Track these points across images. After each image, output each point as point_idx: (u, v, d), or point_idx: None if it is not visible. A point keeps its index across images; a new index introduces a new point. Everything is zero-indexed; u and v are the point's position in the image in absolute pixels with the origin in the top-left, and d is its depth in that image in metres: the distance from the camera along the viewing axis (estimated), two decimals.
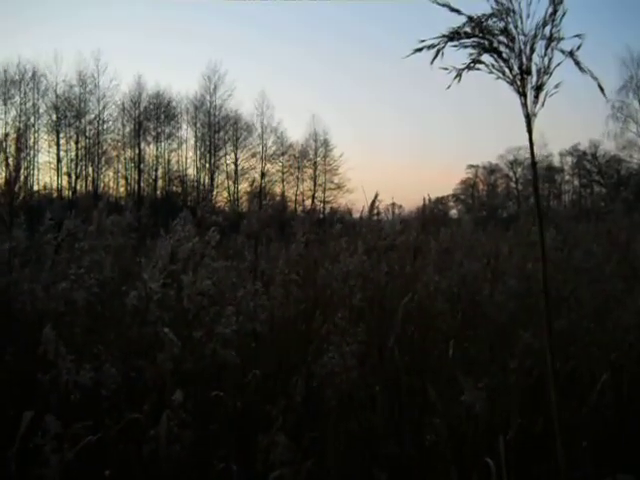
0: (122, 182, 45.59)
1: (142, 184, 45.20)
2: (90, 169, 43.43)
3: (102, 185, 44.54)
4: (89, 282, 3.11)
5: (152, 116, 45.71)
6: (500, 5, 1.67)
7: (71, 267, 3.26)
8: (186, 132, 47.59)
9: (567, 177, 55.59)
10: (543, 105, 1.73)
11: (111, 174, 45.75)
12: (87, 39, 72.04)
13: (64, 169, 42.29)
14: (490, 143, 68.41)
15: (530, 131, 1.77)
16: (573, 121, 65.37)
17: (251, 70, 72.74)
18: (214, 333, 2.69)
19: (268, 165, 48.01)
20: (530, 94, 1.72)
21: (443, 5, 1.69)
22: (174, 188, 46.83)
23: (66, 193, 41.27)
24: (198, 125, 47.17)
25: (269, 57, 70.70)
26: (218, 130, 46.83)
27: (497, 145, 56.64)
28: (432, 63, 1.69)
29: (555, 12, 1.68)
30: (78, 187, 42.50)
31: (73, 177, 42.25)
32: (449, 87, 1.73)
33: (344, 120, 62.85)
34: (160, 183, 46.32)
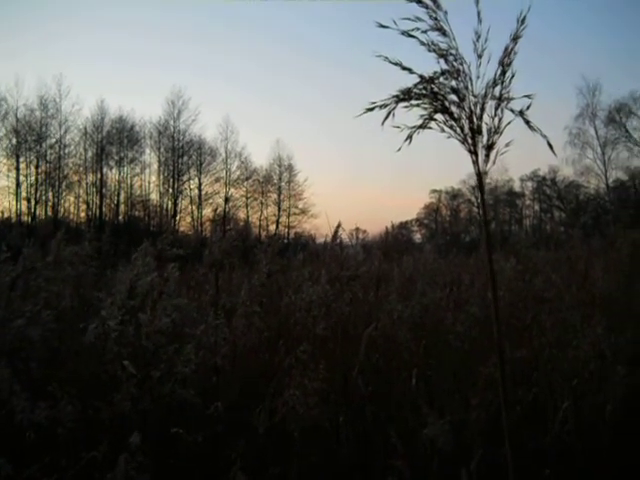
0: (83, 207, 44.92)
1: (104, 209, 44.67)
2: (50, 194, 42.70)
3: (62, 210, 43.84)
4: (45, 318, 3.03)
5: (115, 140, 45.32)
6: (451, 66, 1.70)
7: (27, 304, 3.17)
8: (149, 157, 47.35)
9: (528, 202, 56.74)
10: (494, 163, 1.76)
11: (72, 199, 45.07)
12: (49, 63, 71.29)
13: (23, 194, 41.52)
14: (452, 168, 69.34)
15: (482, 188, 1.81)
16: (532, 146, 66.71)
17: (215, 95, 72.66)
18: (173, 372, 2.64)
19: (232, 190, 47.95)
20: (481, 153, 1.76)
21: (395, 64, 1.72)
22: (137, 213, 46.34)
23: (25, 218, 40.52)
24: (162, 150, 46.94)
25: (233, 82, 70.87)
26: (182, 155, 46.62)
27: (460, 170, 57.49)
28: (383, 124, 1.71)
29: (504, 73, 1.72)
30: (38, 212, 41.78)
31: (33, 202, 41.49)
32: (399, 150, 1.75)
33: (313, 145, 63.24)
34: (122, 208, 45.84)
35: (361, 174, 72.96)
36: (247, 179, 48.55)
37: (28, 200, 41.45)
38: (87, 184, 44.74)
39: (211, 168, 47.72)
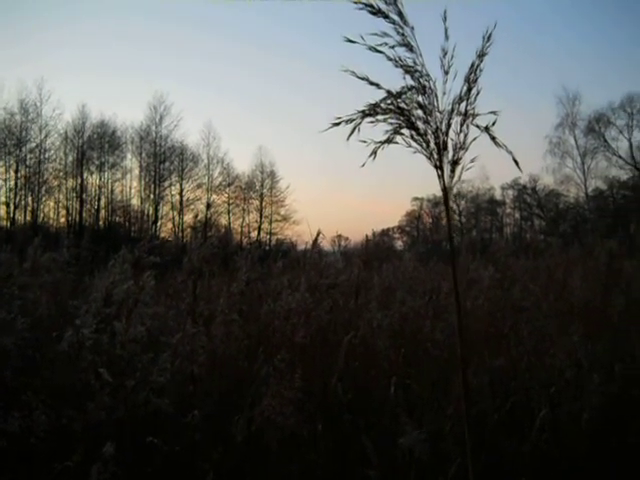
0: (63, 212, 44.49)
1: (84, 215, 44.24)
2: (30, 199, 42.26)
3: (42, 215, 43.36)
4: (20, 326, 2.99)
5: (96, 145, 44.98)
6: (417, 82, 1.71)
7: (1, 312, 3.13)
8: (130, 162, 47.05)
9: (509, 210, 57.15)
10: (460, 178, 1.78)
11: (52, 204, 44.59)
12: (30, 68, 70.61)
13: (2, 199, 41.03)
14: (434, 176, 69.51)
15: (447, 203, 1.83)
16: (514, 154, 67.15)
17: (198, 101, 72.46)
18: (148, 381, 2.61)
19: (214, 196, 47.79)
20: (447, 168, 1.77)
21: (362, 79, 1.73)
22: (117, 219, 46.01)
23: (4, 223, 40.02)
24: (143, 155, 46.66)
25: (216, 89, 70.70)
26: (163, 160, 46.38)
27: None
28: (348, 139, 1.72)
29: (470, 90, 1.74)
30: (17, 217, 41.30)
31: (12, 207, 41.02)
32: (363, 165, 1.75)
33: (296, 152, 63.26)
34: (103, 213, 45.47)
35: (345, 181, 73.06)
36: (229, 185, 48.46)
37: (7, 205, 41.00)
38: (67, 189, 44.37)
39: (193, 174, 47.59)
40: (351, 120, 1.71)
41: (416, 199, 57.77)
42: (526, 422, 3.44)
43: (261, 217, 49.01)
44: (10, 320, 3.01)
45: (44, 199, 43.72)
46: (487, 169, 48.74)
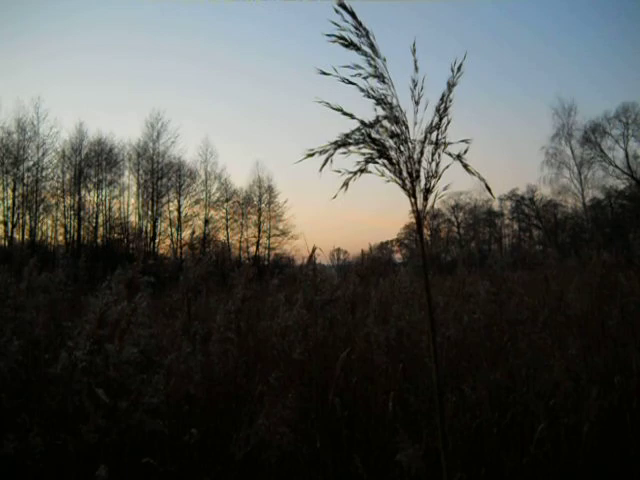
0: (61, 230, 44.44)
1: (82, 232, 44.18)
2: (28, 217, 42.23)
3: (40, 234, 43.32)
4: (14, 348, 2.98)
5: (93, 163, 45.00)
6: (389, 112, 1.73)
7: None
8: (128, 179, 47.03)
9: (507, 221, 57.28)
10: (433, 207, 1.80)
11: (50, 222, 44.53)
12: (27, 87, 70.90)
13: (0, 217, 41.00)
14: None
15: (421, 231, 1.84)
16: (511, 166, 67.59)
17: (195, 117, 72.67)
18: (141, 402, 2.60)
19: (212, 212, 47.76)
20: (420, 196, 1.79)
21: (336, 109, 1.75)
22: (115, 236, 45.96)
23: (2, 242, 39.95)
24: (140, 172, 46.67)
25: (213, 104, 71.01)
26: (161, 177, 46.40)
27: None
28: (321, 170, 1.73)
29: (441, 119, 1.76)
30: (15, 236, 41.26)
31: (10, 226, 40.99)
32: (335, 197, 1.76)
33: (297, 168, 63.36)
34: (101, 231, 45.41)
35: (350, 196, 72.98)
36: (227, 201, 48.46)
37: (5, 224, 40.95)
38: (65, 207, 44.31)
39: (191, 190, 47.57)
40: (325, 151, 1.72)
41: (414, 211, 57.76)
42: (526, 435, 3.43)
43: (259, 232, 49.00)
44: (4, 343, 3.00)
45: (42, 217, 43.70)
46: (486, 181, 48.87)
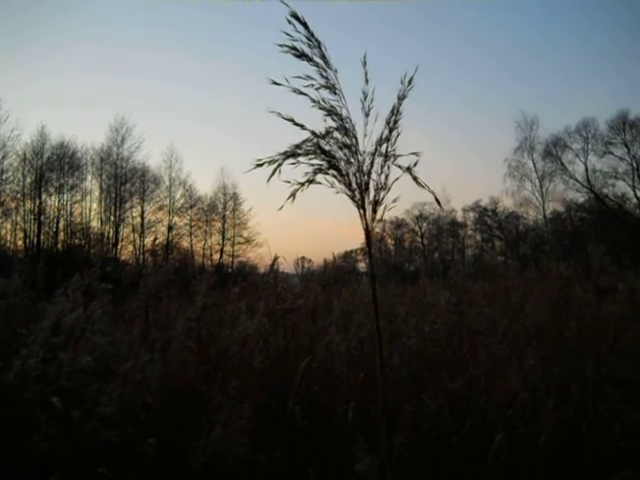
0: (20, 235, 43.47)
1: (42, 237, 43.30)
2: None
3: None
4: None
5: (55, 167, 44.17)
6: (339, 123, 1.73)
7: None
8: (91, 183, 46.27)
9: (470, 232, 57.94)
10: (382, 219, 1.80)
11: (9, 227, 43.52)
12: None
13: None
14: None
15: (369, 243, 1.85)
16: (474, 178, 68.44)
17: (160, 123, 71.95)
18: (95, 411, 2.55)
19: (176, 218, 47.24)
20: (369, 208, 1.79)
21: (287, 120, 1.74)
22: (76, 241, 45.17)
23: None
24: (104, 177, 45.94)
25: (178, 110, 70.43)
26: (124, 182, 45.79)
27: (405, 200, 58.36)
28: (268, 181, 1.72)
29: (391, 131, 1.77)
30: None
31: None
32: (281, 208, 1.76)
33: (261, 174, 63.00)
34: (61, 236, 44.57)
35: (314, 204, 73.27)
36: (191, 207, 48.06)
37: None
38: (25, 211, 43.38)
39: (154, 196, 47.03)
40: (274, 161, 1.72)
41: (379, 221, 57.89)
42: (484, 445, 3.45)
43: (223, 239, 48.69)
44: None
45: (1, 221, 42.74)
46: (448, 192, 49.53)
